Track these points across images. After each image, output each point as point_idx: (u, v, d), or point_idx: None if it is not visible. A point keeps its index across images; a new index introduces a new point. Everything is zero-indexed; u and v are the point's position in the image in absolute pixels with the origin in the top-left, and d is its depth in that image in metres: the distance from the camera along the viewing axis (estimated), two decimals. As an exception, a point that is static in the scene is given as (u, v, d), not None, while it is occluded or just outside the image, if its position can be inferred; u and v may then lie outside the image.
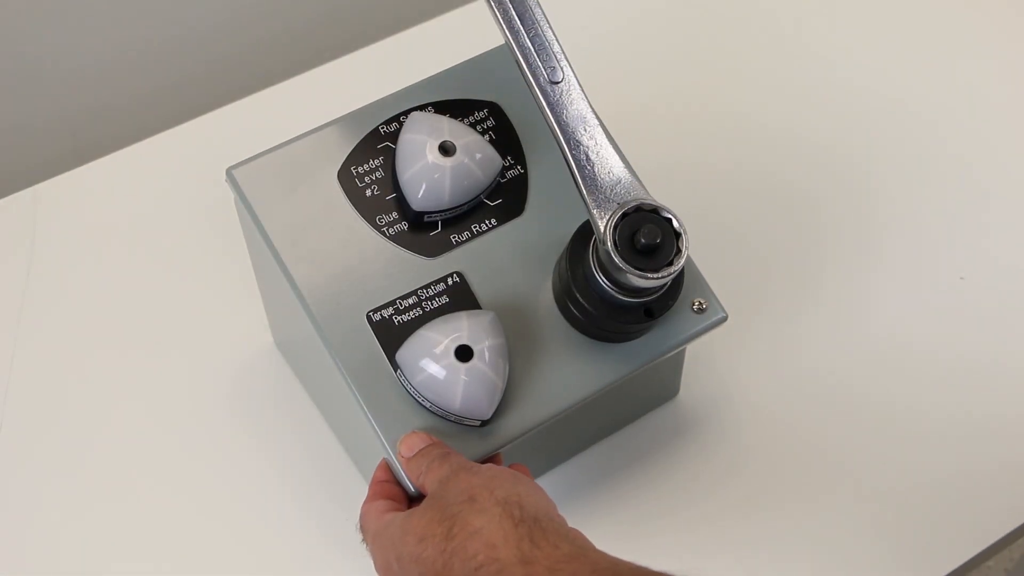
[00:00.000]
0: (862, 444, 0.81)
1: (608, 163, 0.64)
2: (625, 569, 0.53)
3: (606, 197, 0.64)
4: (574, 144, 0.64)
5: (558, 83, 0.65)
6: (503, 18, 0.65)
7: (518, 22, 0.65)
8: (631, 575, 0.52)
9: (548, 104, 0.65)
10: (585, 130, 0.65)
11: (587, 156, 0.64)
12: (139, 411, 0.82)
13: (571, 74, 0.65)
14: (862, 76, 1.00)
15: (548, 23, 0.66)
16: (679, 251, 0.63)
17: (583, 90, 0.65)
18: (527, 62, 0.65)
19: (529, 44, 0.65)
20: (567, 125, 0.65)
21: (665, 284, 0.65)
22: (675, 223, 0.63)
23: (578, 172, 0.64)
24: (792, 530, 0.77)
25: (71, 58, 1.04)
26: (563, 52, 0.65)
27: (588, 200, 0.64)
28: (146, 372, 0.84)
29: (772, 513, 0.78)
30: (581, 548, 0.54)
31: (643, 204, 0.63)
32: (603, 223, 0.63)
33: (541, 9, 0.66)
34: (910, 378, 0.83)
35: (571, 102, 0.65)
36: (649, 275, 0.62)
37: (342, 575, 0.75)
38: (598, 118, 0.66)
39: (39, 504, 0.79)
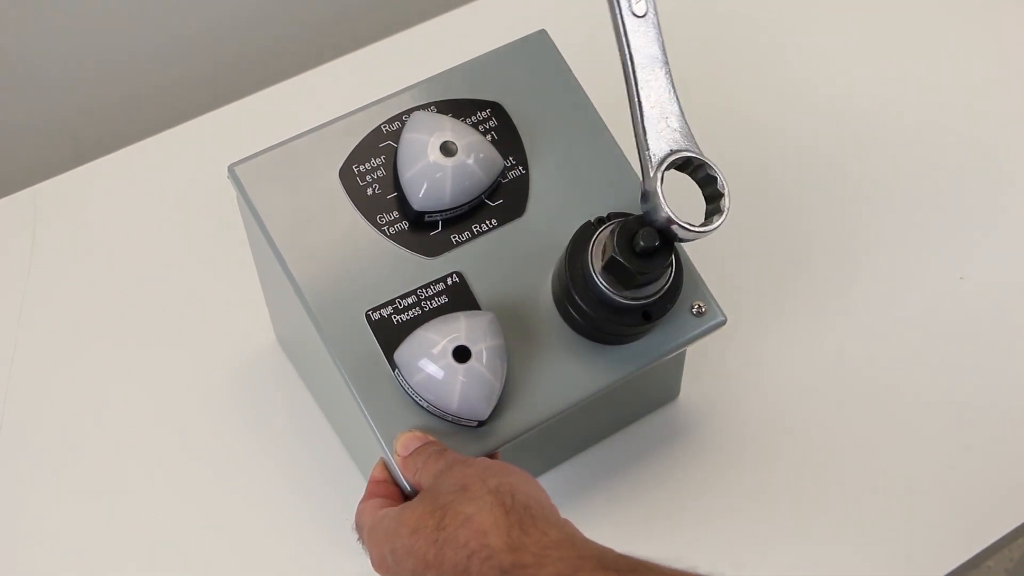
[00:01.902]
0: (862, 445, 0.81)
1: (668, 111, 0.64)
2: (611, 555, 0.53)
3: (659, 145, 0.64)
4: (642, 83, 0.64)
5: (640, 17, 0.64)
6: None
7: None
8: (617, 561, 0.52)
9: (625, 37, 0.64)
10: (653, 73, 0.64)
11: (649, 100, 0.64)
12: (140, 409, 0.82)
13: (653, 13, 0.64)
14: (861, 76, 1.00)
15: None
16: (720, 211, 0.63)
17: (661, 32, 0.64)
18: None
19: None
20: (639, 63, 0.64)
21: (713, 230, 0.65)
22: (719, 181, 0.64)
23: (639, 113, 0.64)
24: (792, 531, 0.77)
25: (71, 58, 1.04)
26: None
27: (640, 144, 0.64)
28: (147, 370, 0.84)
29: (772, 514, 0.78)
30: (569, 536, 0.54)
31: (693, 157, 0.63)
32: (651, 169, 0.63)
33: None
34: (909, 379, 0.83)
35: (647, 40, 0.64)
36: (702, 228, 0.63)
37: (342, 573, 0.75)
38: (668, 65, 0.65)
39: (40, 503, 0.79)
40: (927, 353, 0.85)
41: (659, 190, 0.62)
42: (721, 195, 0.64)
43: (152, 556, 0.77)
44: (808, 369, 0.84)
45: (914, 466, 0.80)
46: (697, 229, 0.63)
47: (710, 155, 0.64)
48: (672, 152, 0.63)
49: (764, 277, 0.88)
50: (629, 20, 0.64)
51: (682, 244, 0.67)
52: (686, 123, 0.65)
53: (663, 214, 0.62)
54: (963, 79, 1.01)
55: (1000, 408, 0.82)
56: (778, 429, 0.81)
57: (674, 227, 0.62)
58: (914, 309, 0.87)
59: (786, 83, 1.00)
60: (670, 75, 0.65)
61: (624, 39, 0.64)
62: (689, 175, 0.65)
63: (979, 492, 0.78)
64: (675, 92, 0.65)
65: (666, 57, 0.65)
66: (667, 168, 0.63)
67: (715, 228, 0.63)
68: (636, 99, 0.64)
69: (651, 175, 0.63)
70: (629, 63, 0.64)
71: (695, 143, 0.65)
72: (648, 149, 0.63)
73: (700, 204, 0.65)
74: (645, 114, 0.64)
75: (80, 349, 0.85)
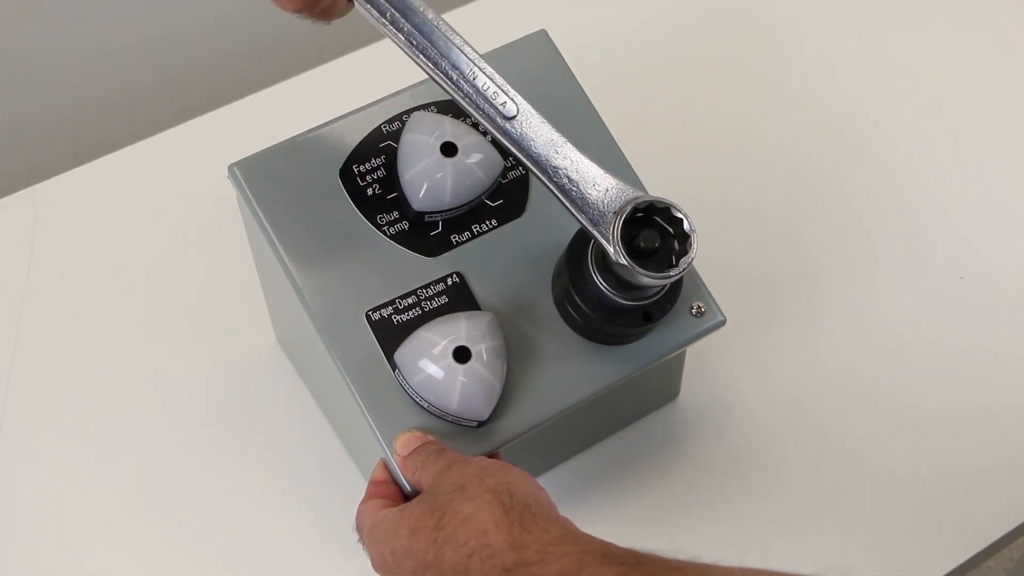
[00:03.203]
0: (861, 445, 0.81)
1: (591, 177, 0.63)
2: (615, 550, 0.53)
3: (600, 212, 0.62)
4: (552, 171, 0.63)
5: (514, 117, 0.63)
6: (439, 72, 0.63)
7: (455, 72, 0.63)
8: (621, 556, 0.52)
9: (513, 141, 0.63)
10: (557, 152, 0.63)
11: (568, 178, 0.63)
12: (139, 409, 0.82)
13: (524, 103, 0.63)
14: (861, 78, 1.00)
15: (482, 61, 0.63)
16: (689, 237, 0.62)
17: (541, 114, 0.63)
18: (479, 108, 0.63)
19: (473, 90, 0.63)
20: (539, 155, 0.63)
21: (678, 277, 0.64)
22: (674, 211, 0.62)
23: (565, 197, 0.63)
24: (792, 531, 0.77)
25: (71, 58, 1.04)
26: (508, 84, 0.63)
27: (584, 220, 0.62)
28: (146, 370, 0.84)
29: (772, 515, 0.78)
30: (571, 532, 0.54)
31: (637, 204, 0.62)
32: (608, 237, 0.62)
33: (471, 48, 0.63)
34: (910, 379, 0.83)
35: (534, 131, 0.63)
36: (668, 273, 0.61)
37: (341, 573, 0.75)
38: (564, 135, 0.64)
39: (39, 503, 0.79)
40: (927, 353, 0.85)
41: (620, 251, 0.61)
42: (683, 223, 0.62)
43: (152, 556, 0.77)
44: (808, 369, 0.84)
45: (914, 466, 0.80)
46: (668, 273, 0.61)
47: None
48: (616, 213, 0.62)
49: (764, 277, 0.88)
50: (507, 126, 0.63)
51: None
52: (612, 177, 0.63)
53: (629, 268, 0.61)
54: (963, 79, 1.01)
55: (1000, 408, 0.82)
56: (778, 429, 0.81)
57: (640, 275, 0.61)
58: (914, 309, 0.87)
59: (786, 84, 1.00)
60: (572, 145, 0.63)
61: (513, 143, 0.63)
62: (647, 218, 0.63)
63: (979, 492, 0.78)
64: (586, 156, 0.63)
65: (559, 133, 0.63)
66: (622, 227, 0.61)
67: (688, 264, 0.61)
68: (556, 185, 0.63)
69: (610, 243, 0.61)
70: (529, 161, 0.63)
71: (633, 186, 0.63)
72: (597, 225, 0.62)
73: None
74: (572, 194, 0.62)
75: (80, 349, 0.85)
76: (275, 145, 0.70)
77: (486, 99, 0.63)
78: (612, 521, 0.77)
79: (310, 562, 0.76)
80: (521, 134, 0.63)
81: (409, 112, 0.71)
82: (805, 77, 1.01)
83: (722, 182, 0.93)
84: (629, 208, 0.62)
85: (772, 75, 1.01)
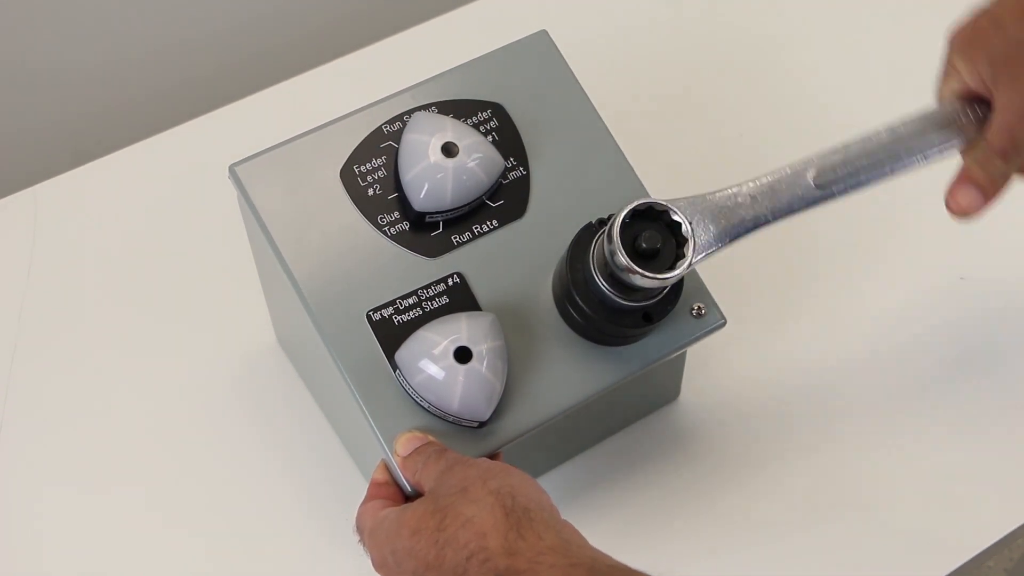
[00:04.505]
0: (862, 445, 0.81)
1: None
2: (603, 565, 0.53)
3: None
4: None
5: (820, 186, 0.71)
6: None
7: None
8: (609, 571, 0.52)
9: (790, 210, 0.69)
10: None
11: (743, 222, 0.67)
12: (139, 410, 0.82)
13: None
14: (861, 79, 1.00)
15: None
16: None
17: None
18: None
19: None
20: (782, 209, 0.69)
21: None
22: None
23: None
24: (792, 532, 0.77)
25: (71, 59, 1.04)
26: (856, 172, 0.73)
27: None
28: (147, 371, 0.84)
29: (772, 514, 0.78)
30: (565, 540, 0.54)
31: (655, 204, 0.63)
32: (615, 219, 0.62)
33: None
34: (910, 379, 0.84)
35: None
36: (649, 275, 0.62)
37: (342, 573, 0.75)
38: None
39: (39, 503, 0.79)
40: (927, 353, 0.85)
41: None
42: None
43: (152, 555, 0.77)
44: (808, 369, 0.84)
45: (914, 466, 0.80)
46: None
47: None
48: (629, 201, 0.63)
49: (764, 278, 0.88)
50: (811, 191, 0.70)
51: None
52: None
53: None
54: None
55: (1000, 408, 0.82)
56: (778, 429, 0.81)
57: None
58: (914, 309, 0.87)
59: (787, 85, 1.00)
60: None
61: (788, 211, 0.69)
62: (650, 220, 0.63)
63: (979, 492, 0.78)
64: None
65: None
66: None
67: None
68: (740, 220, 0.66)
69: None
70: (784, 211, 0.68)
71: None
72: None
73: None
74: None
75: (80, 349, 0.85)
76: (275, 145, 0.70)
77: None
78: (612, 522, 0.77)
79: (310, 562, 0.76)
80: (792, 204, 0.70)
81: (410, 112, 0.71)
82: (806, 78, 1.01)
83: (722, 183, 0.93)
84: (644, 203, 0.63)
85: (773, 75, 1.01)
